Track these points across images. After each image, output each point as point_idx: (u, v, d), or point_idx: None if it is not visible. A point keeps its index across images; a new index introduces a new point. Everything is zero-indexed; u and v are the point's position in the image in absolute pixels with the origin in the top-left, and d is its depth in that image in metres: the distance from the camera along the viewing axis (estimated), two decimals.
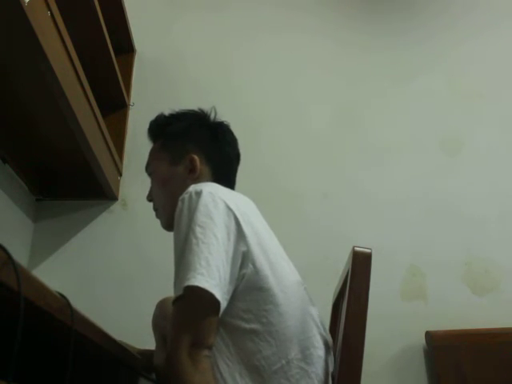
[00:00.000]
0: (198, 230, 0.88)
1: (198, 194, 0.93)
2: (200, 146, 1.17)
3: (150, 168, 1.23)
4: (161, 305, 1.29)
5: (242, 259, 0.91)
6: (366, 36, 2.44)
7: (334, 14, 2.48)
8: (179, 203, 0.95)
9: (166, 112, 1.25)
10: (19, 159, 1.76)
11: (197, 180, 1.10)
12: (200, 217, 0.89)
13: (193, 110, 1.23)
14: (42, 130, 1.65)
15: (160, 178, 1.18)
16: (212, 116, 1.22)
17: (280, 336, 0.91)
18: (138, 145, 2.10)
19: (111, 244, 2.00)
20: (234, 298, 0.90)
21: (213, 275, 0.84)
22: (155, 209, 1.21)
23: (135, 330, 1.54)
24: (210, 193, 0.93)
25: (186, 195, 0.95)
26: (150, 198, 1.22)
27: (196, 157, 1.14)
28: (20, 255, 1.87)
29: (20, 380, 0.59)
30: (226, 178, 1.18)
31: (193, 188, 0.96)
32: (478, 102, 2.33)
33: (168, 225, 1.13)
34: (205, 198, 0.92)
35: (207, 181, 1.12)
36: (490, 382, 1.78)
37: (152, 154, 1.23)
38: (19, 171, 1.79)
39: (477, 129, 2.28)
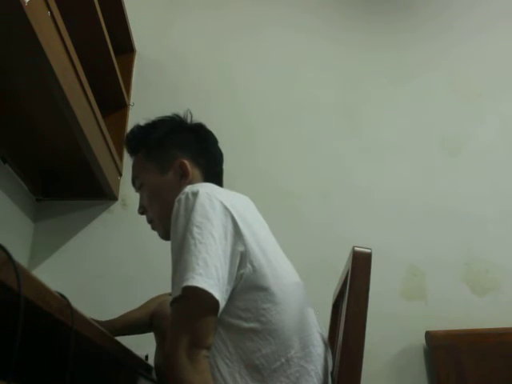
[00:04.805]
0: (195, 230, 0.88)
1: (195, 194, 0.92)
2: (186, 150, 1.16)
3: (138, 181, 1.20)
4: (161, 305, 1.29)
5: (240, 259, 0.90)
6: (366, 36, 2.44)
7: (334, 14, 2.49)
8: (176, 204, 0.94)
9: (141, 122, 1.23)
10: (19, 159, 1.76)
11: (190, 184, 1.08)
12: (197, 217, 0.89)
13: (169, 116, 1.22)
14: (42, 129, 1.65)
15: (152, 189, 1.16)
16: (189, 119, 1.21)
17: (279, 334, 0.91)
18: None
19: (111, 244, 2.00)
20: (232, 297, 0.90)
21: (211, 275, 0.84)
22: (150, 221, 1.19)
23: None
24: (207, 193, 0.93)
25: (182, 196, 0.94)
26: (141, 211, 1.20)
27: (185, 161, 1.13)
28: (20, 255, 1.87)
29: (20, 380, 0.59)
30: (216, 178, 1.18)
31: (189, 188, 0.95)
32: (477, 101, 2.33)
33: (167, 235, 1.09)
34: (201, 198, 0.91)
35: (200, 182, 1.11)
36: (490, 381, 1.78)
37: (137, 166, 1.20)
38: (19, 171, 1.79)
39: (477, 128, 2.28)
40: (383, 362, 1.90)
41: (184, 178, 1.13)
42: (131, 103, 2.21)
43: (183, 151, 1.16)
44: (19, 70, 1.33)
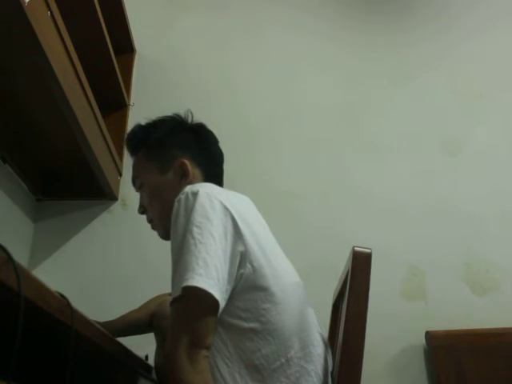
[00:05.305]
0: (195, 230, 0.88)
1: (195, 194, 0.92)
2: (186, 150, 1.16)
3: (138, 181, 1.20)
4: (161, 305, 1.29)
5: (240, 259, 0.90)
6: (366, 36, 2.44)
7: (334, 14, 2.49)
8: (176, 204, 0.94)
9: (142, 121, 1.23)
10: (19, 159, 1.76)
11: (190, 184, 1.08)
12: (197, 217, 0.89)
13: (169, 116, 1.22)
14: (42, 129, 1.65)
15: (152, 188, 1.16)
16: (190, 119, 1.21)
17: (279, 334, 0.91)
18: None
19: (111, 244, 2.00)
20: (232, 297, 0.90)
21: (211, 275, 0.84)
22: (150, 220, 1.20)
23: None
24: (207, 193, 0.93)
25: (182, 196, 0.94)
26: (141, 211, 1.20)
27: (186, 161, 1.13)
28: (20, 255, 1.87)
29: (20, 380, 0.59)
30: (216, 178, 1.18)
31: (189, 188, 0.95)
32: (478, 101, 2.33)
33: (167, 234, 1.09)
34: (201, 198, 0.91)
35: (200, 182, 1.11)
36: (490, 381, 1.78)
37: (137, 166, 1.20)
38: (19, 171, 1.79)
39: (477, 128, 2.28)
40: (383, 362, 1.90)
41: (184, 178, 1.13)
42: (131, 103, 2.21)
43: (183, 151, 1.16)
44: (19, 70, 1.33)
